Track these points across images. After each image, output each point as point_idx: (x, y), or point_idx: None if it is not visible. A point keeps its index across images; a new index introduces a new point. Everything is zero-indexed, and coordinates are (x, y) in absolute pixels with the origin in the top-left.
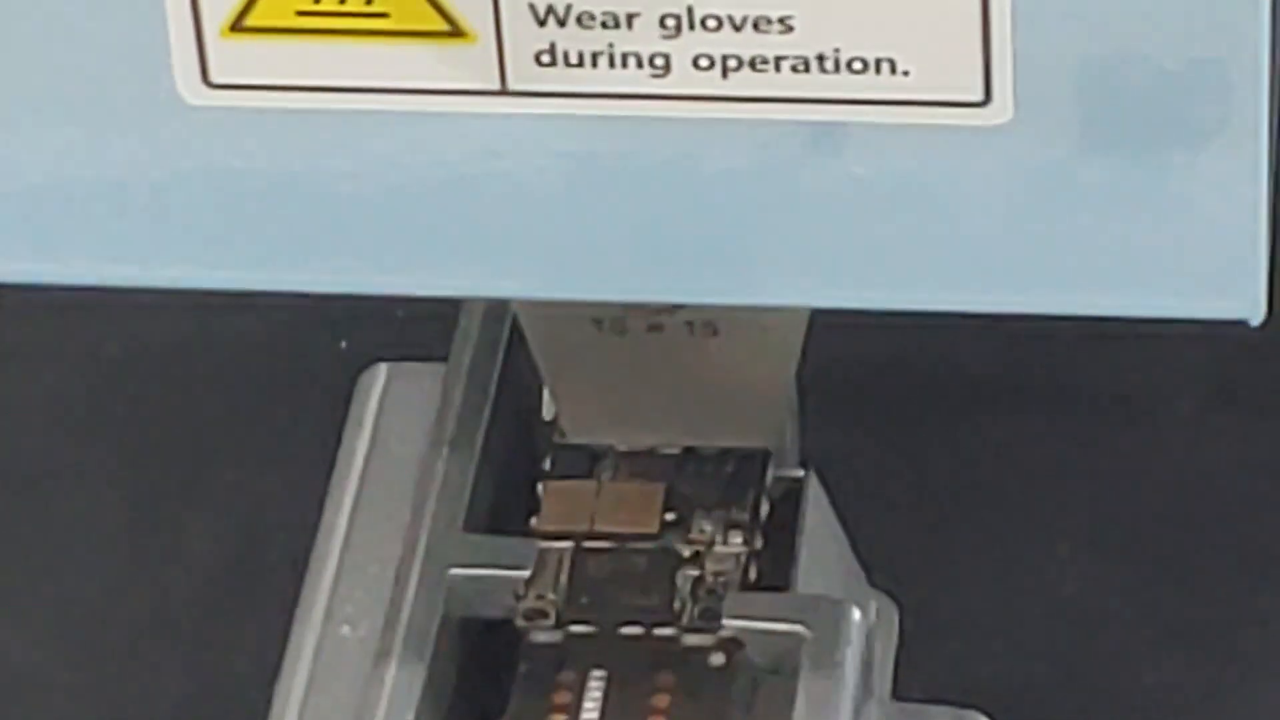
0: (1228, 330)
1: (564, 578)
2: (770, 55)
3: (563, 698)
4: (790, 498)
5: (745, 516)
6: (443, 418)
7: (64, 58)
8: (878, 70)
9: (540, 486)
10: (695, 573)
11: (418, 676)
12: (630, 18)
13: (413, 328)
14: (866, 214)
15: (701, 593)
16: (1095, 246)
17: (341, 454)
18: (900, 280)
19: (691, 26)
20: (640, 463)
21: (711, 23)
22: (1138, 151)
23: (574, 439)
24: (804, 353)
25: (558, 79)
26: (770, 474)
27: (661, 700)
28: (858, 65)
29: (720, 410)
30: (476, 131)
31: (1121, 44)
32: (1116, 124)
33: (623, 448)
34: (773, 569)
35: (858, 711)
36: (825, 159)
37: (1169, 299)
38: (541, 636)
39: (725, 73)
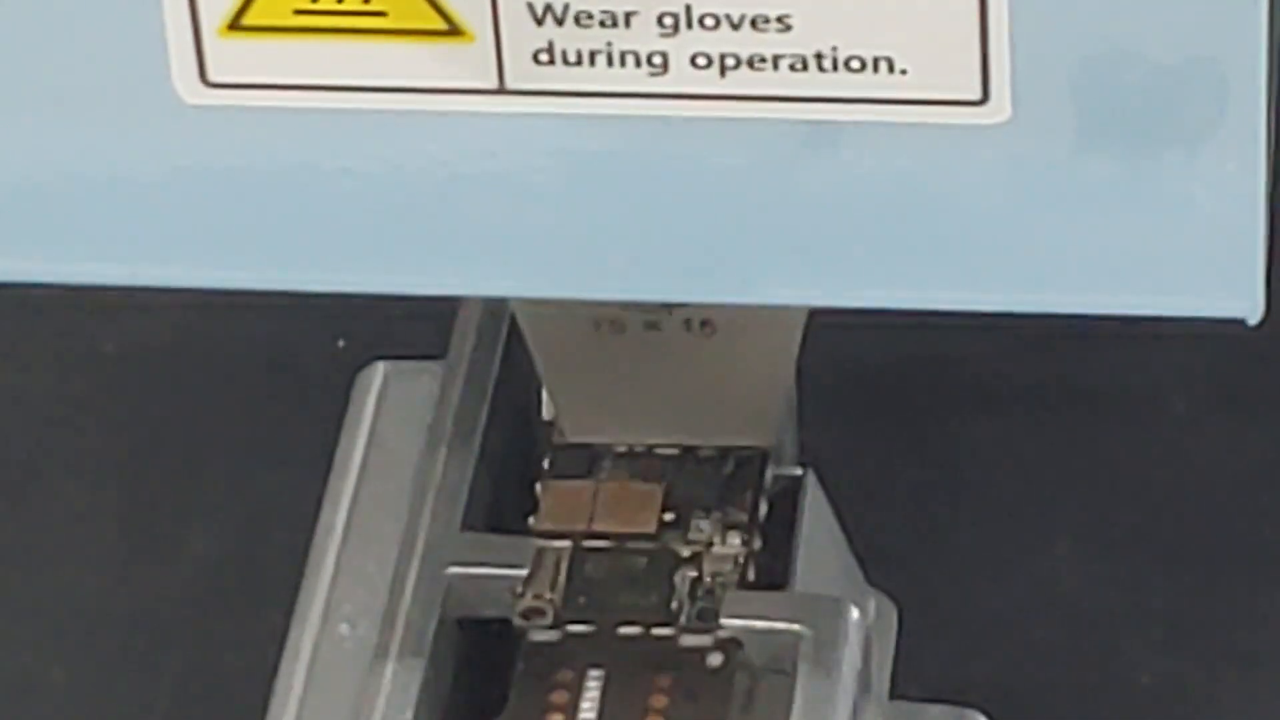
0: (1225, 329)
1: (562, 577)
2: (768, 54)
3: (560, 697)
4: (788, 496)
5: (744, 517)
6: (441, 416)
7: (61, 57)
8: (875, 69)
9: (538, 486)
10: (693, 573)
11: (415, 675)
12: (628, 16)
13: (410, 326)
14: (864, 213)
15: (699, 593)
16: (1093, 245)
17: (339, 452)
18: (898, 279)
19: (689, 25)
20: (638, 462)
21: (709, 21)
22: (1135, 150)
23: (572, 438)
24: (802, 351)
25: (556, 78)
26: (769, 474)
27: (659, 700)
28: (855, 64)
29: (718, 409)
30: (474, 130)
31: (1119, 42)
32: (1114, 122)
33: (621, 447)
34: (771, 567)
35: (856, 710)
36: (823, 158)
37: (1167, 298)
38: (539, 636)
39: (723, 71)
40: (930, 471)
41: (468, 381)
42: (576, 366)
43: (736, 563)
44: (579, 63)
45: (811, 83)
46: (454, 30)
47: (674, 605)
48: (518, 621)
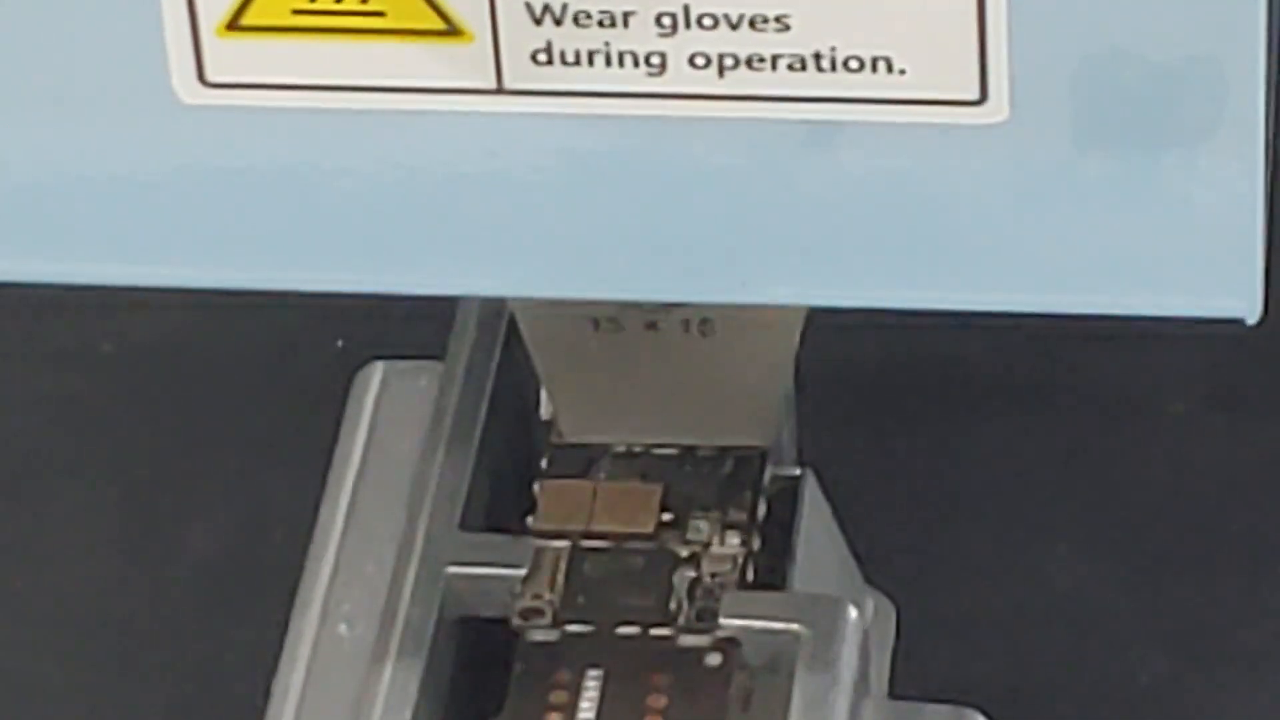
0: (1224, 329)
1: (561, 577)
2: (766, 54)
3: (559, 697)
4: (787, 496)
5: (742, 517)
6: (439, 416)
7: (60, 57)
8: (874, 69)
9: (537, 486)
10: (692, 573)
11: (414, 675)
12: (626, 16)
13: (409, 326)
14: (862, 213)
15: (698, 593)
16: (1091, 245)
17: (338, 452)
18: (896, 279)
19: (688, 25)
20: (637, 462)
21: (708, 21)
22: (1134, 150)
23: (571, 438)
24: (801, 351)
25: (554, 78)
26: (767, 474)
27: (658, 700)
28: (854, 64)
29: (717, 409)
30: (473, 130)
31: (1117, 42)
32: (1113, 122)
33: (619, 447)
34: (770, 567)
35: (854, 710)
36: (821, 157)
37: (1165, 298)
38: (538, 636)
39: (721, 71)
40: (930, 471)
41: (466, 381)
42: (575, 366)
43: (735, 563)
44: (577, 63)
45: (810, 83)
46: (452, 30)
47: (673, 605)
48: (516, 621)
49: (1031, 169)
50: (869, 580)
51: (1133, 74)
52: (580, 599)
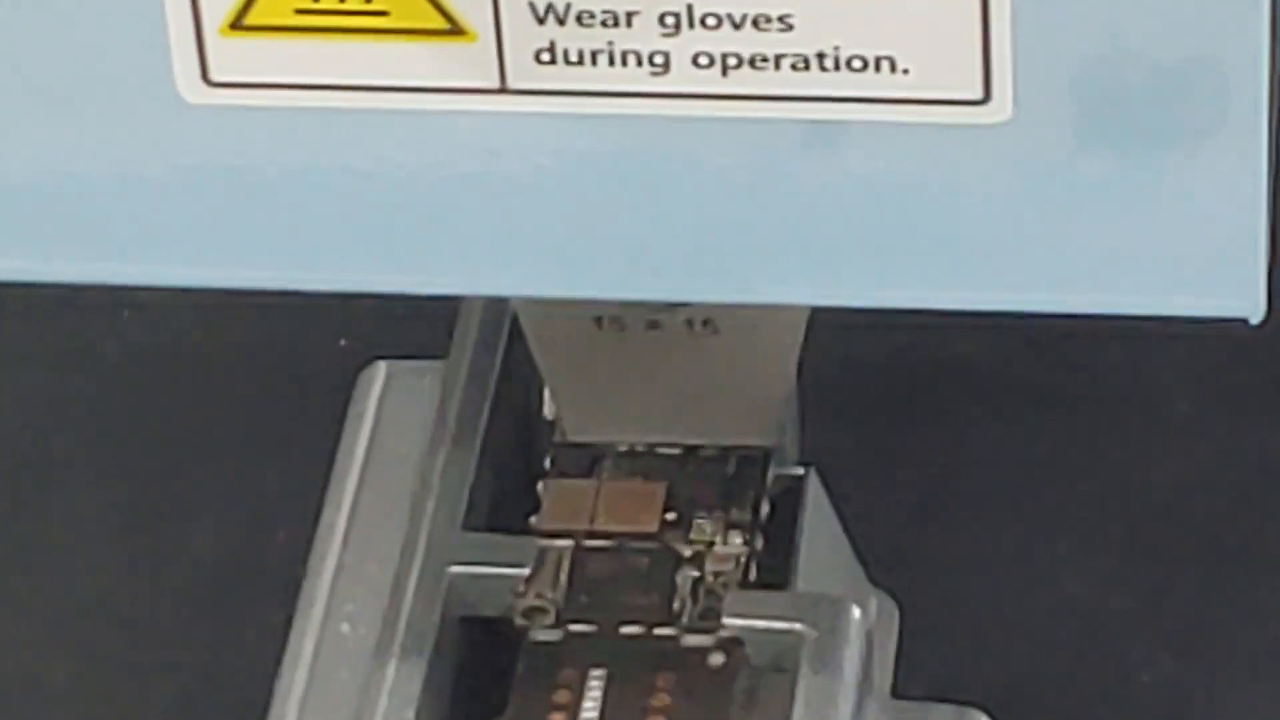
0: (1228, 329)
1: (564, 576)
2: (770, 53)
3: (562, 697)
4: (790, 496)
5: (745, 517)
6: (442, 416)
7: (64, 57)
8: (877, 68)
9: (540, 485)
10: (695, 572)
11: (417, 675)
12: (630, 16)
13: (412, 326)
14: (866, 212)
15: (701, 592)
16: (1094, 245)
17: (341, 452)
18: (899, 278)
19: (691, 25)
20: (640, 462)
21: (711, 21)
22: (1137, 149)
23: (574, 437)
24: (804, 351)
25: (557, 77)
26: (770, 473)
27: (661, 700)
28: (857, 63)
29: (720, 409)
30: (476, 130)
31: (1120, 42)
32: (1116, 122)
33: (623, 447)
34: (773, 567)
35: (858, 709)
36: (824, 157)
37: (1169, 297)
38: (541, 635)
39: (725, 71)
40: (931, 471)
41: (469, 381)
42: (578, 366)
43: (738, 562)
44: (580, 62)
45: (813, 82)
46: (456, 30)
47: (676, 605)
48: (519, 621)
49: (1034, 169)
50: (872, 580)
51: (1136, 73)
52: (583, 598)
